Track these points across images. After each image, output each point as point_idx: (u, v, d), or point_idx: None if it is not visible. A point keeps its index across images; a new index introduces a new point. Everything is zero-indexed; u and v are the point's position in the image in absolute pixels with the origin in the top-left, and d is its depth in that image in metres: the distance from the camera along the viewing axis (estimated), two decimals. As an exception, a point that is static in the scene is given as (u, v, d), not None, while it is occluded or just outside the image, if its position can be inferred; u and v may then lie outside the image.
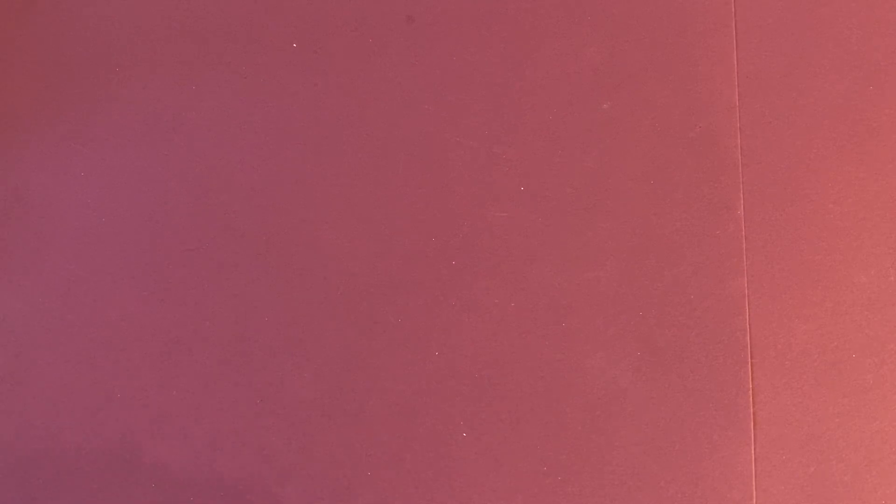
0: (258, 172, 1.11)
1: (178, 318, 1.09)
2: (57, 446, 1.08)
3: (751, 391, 1.05)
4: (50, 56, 1.15)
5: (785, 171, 1.08)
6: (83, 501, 1.07)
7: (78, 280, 1.10)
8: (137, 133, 1.12)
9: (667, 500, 1.04)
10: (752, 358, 1.05)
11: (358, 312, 1.08)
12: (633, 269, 1.07)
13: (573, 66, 1.11)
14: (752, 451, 1.04)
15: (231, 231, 1.10)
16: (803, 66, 1.10)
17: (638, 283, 1.07)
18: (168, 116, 1.13)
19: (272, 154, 1.11)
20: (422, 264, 1.08)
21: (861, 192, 1.07)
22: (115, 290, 1.10)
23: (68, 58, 1.15)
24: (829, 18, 1.10)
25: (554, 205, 1.08)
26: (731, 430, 1.04)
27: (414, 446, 1.06)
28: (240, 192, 1.11)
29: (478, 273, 1.08)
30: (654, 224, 1.08)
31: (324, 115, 1.12)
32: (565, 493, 1.04)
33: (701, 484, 1.04)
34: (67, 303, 1.10)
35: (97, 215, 1.11)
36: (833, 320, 1.05)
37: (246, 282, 1.09)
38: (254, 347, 1.08)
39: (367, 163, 1.10)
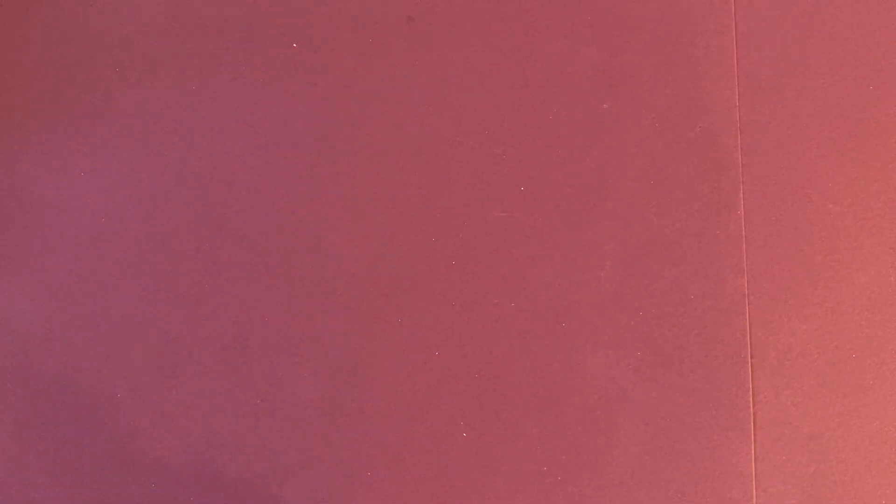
0: (258, 172, 1.11)
1: (178, 318, 1.09)
2: (57, 446, 1.08)
3: (751, 391, 1.05)
4: (50, 56, 1.15)
5: (785, 171, 1.08)
6: (83, 501, 1.07)
7: (78, 280, 1.10)
8: (137, 133, 1.12)
9: (667, 500, 1.04)
10: (752, 358, 1.05)
11: (358, 312, 1.08)
12: (633, 269, 1.07)
13: (573, 66, 1.11)
14: (752, 451, 1.04)
15: (231, 231, 1.10)
16: (803, 66, 1.10)
17: (638, 283, 1.07)
18: (168, 116, 1.13)
19: (272, 154, 1.11)
20: (422, 264, 1.08)
21: (861, 192, 1.07)
22: (115, 290, 1.10)
23: (68, 58, 1.15)
24: (829, 18, 1.10)
25: (554, 205, 1.08)
26: (731, 430, 1.04)
27: (414, 446, 1.06)
28: (240, 192, 1.11)
29: (478, 273, 1.08)
30: (654, 224, 1.08)
31: (324, 115, 1.12)
32: (565, 493, 1.04)
33: (701, 484, 1.04)
34: (67, 303, 1.10)
35: (97, 215, 1.11)
36: (833, 320, 1.05)
37: (246, 282, 1.09)
38: (254, 347, 1.08)
39: (367, 163, 1.10)
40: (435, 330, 1.07)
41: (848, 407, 1.04)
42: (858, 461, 1.04)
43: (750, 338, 1.05)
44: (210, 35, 1.14)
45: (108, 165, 1.12)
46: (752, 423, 1.04)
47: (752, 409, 1.04)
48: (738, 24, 1.11)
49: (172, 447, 1.07)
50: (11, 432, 1.08)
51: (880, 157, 1.08)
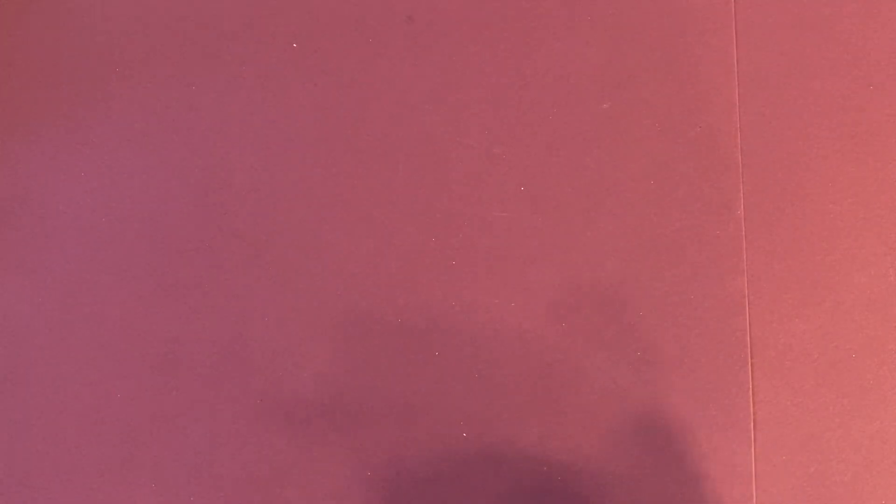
0: (258, 172, 1.11)
1: (178, 318, 1.09)
2: (57, 446, 1.08)
3: (751, 391, 1.05)
4: (50, 56, 1.15)
5: (785, 171, 1.08)
6: (83, 501, 1.07)
7: (78, 280, 1.10)
8: (137, 133, 1.12)
9: (667, 500, 1.04)
10: (752, 358, 1.05)
11: (358, 312, 1.08)
12: (633, 269, 1.07)
13: (573, 66, 1.11)
14: (752, 451, 1.04)
15: (231, 231, 1.10)
16: (803, 66, 1.10)
17: (638, 283, 1.07)
18: (168, 116, 1.13)
19: (272, 154, 1.11)
20: (422, 264, 1.08)
21: (861, 192, 1.07)
22: (115, 290, 1.10)
23: (68, 58, 1.15)
24: (829, 18, 1.10)
25: (554, 205, 1.08)
26: (731, 430, 1.04)
27: (414, 446, 1.06)
28: (240, 192, 1.11)
29: (478, 273, 1.08)
30: (654, 224, 1.08)
31: (324, 115, 1.12)
32: (565, 492, 1.04)
33: (701, 484, 1.04)
34: (67, 303, 1.10)
35: (98, 215, 1.11)
36: (833, 320, 1.05)
37: (246, 282, 1.09)
38: (254, 347, 1.08)
39: (367, 163, 1.10)
40: (435, 330, 1.07)
41: (848, 407, 1.04)
42: (858, 461, 1.04)
43: (750, 338, 1.06)
44: (210, 35, 1.14)
45: (108, 165, 1.12)
46: (752, 423, 1.04)
47: (752, 409, 1.05)
48: (738, 24, 1.11)
49: (172, 447, 1.07)
50: (11, 432, 1.08)
51: (880, 157, 1.08)
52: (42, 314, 1.10)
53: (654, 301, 1.06)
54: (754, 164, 1.08)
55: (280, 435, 1.06)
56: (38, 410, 1.08)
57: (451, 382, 1.06)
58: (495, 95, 1.11)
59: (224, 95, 1.12)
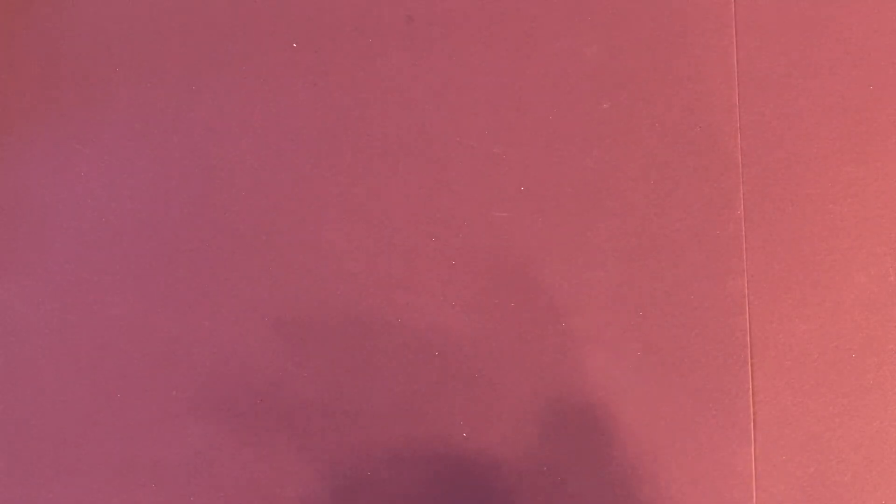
0: (258, 172, 1.11)
1: (178, 318, 1.09)
2: (57, 446, 1.08)
3: (751, 391, 1.05)
4: (50, 56, 1.15)
5: (785, 171, 1.08)
6: (83, 501, 1.07)
7: (78, 280, 1.10)
8: (137, 133, 1.12)
9: (667, 500, 1.04)
10: (752, 358, 1.05)
11: (358, 312, 1.08)
12: (633, 269, 1.07)
13: (573, 66, 1.11)
14: (752, 451, 1.04)
15: (231, 231, 1.10)
16: (803, 66, 1.10)
17: (638, 283, 1.07)
18: (168, 116, 1.13)
19: (272, 154, 1.11)
20: (422, 264, 1.08)
21: (861, 192, 1.07)
22: (115, 290, 1.10)
23: (68, 58, 1.15)
24: (829, 18, 1.10)
25: (554, 205, 1.08)
26: (731, 430, 1.04)
27: (414, 446, 1.06)
28: (240, 192, 1.11)
29: (478, 273, 1.08)
30: (654, 224, 1.08)
31: (324, 115, 1.12)
32: (565, 493, 1.04)
33: (701, 484, 1.04)
34: (67, 303, 1.10)
35: (97, 215, 1.11)
36: (833, 320, 1.05)
37: (246, 282, 1.09)
38: (253, 347, 1.08)
39: (367, 163, 1.10)
40: (435, 330, 1.07)
41: (848, 407, 1.04)
42: (858, 461, 1.04)
43: (750, 338, 1.05)
44: (210, 35, 1.14)
45: (108, 165, 1.12)
46: (752, 423, 1.04)
47: (752, 409, 1.04)
48: (738, 24, 1.11)
49: (172, 447, 1.07)
50: (12, 432, 1.08)
51: (880, 157, 1.08)
52: (42, 314, 1.10)
53: (654, 301, 1.06)
54: (754, 164, 1.08)
55: (280, 435, 1.06)
56: (38, 410, 1.08)
57: (451, 382, 1.06)
58: (495, 95, 1.11)
59: (224, 95, 1.12)
